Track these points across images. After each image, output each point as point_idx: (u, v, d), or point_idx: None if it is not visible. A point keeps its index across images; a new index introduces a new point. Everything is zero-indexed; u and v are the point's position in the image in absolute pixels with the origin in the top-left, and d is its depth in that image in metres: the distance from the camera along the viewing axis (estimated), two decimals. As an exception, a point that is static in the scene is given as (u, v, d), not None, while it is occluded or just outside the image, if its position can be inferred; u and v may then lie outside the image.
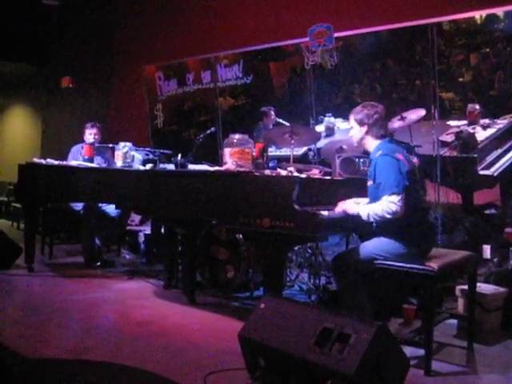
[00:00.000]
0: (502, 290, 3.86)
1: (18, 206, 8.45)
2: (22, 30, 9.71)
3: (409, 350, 3.03)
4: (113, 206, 5.46)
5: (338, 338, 2.46)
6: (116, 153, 4.93)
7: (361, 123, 3.32)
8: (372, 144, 3.34)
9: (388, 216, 3.09)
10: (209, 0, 7.62)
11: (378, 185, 3.17)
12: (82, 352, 3.11)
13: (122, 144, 4.90)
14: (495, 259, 4.34)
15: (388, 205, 3.08)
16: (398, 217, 3.09)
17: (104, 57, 9.27)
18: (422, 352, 3.02)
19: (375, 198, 3.20)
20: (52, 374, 2.83)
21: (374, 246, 3.24)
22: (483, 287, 3.82)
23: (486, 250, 4.44)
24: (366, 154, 3.68)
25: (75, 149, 5.95)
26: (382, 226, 3.22)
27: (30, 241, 5.32)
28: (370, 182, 3.31)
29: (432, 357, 3.00)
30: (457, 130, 5.27)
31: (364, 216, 3.18)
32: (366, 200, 3.41)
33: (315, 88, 6.26)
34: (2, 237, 5.43)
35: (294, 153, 4.65)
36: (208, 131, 5.30)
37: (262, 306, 2.83)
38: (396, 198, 3.08)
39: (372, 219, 3.17)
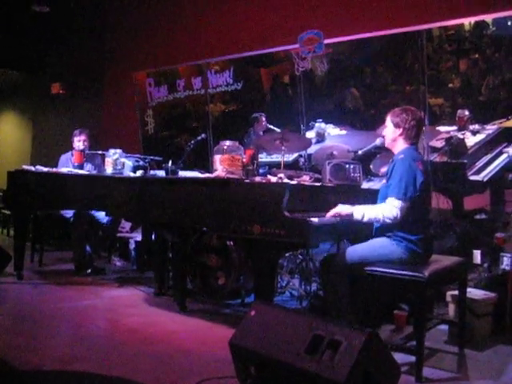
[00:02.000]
0: (492, 295, 3.87)
1: (8, 212, 8.40)
2: (12, 36, 9.67)
3: (400, 357, 3.01)
4: (103, 213, 5.43)
5: (328, 346, 2.45)
6: (106, 159, 4.92)
7: (396, 125, 3.34)
8: (400, 147, 3.35)
9: (387, 220, 3.11)
10: (199, 7, 7.63)
11: (389, 185, 3.19)
12: (71, 361, 3.08)
13: (112, 151, 4.89)
14: (485, 264, 4.35)
15: (390, 209, 3.10)
16: (395, 223, 3.10)
17: (95, 63, 9.25)
18: (413, 358, 3.02)
19: (384, 198, 3.21)
20: None
21: (368, 249, 3.25)
22: (474, 292, 3.83)
23: (477, 255, 4.45)
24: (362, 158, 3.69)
25: (64, 157, 5.92)
26: (385, 228, 3.22)
27: (19, 248, 5.27)
28: (383, 181, 3.33)
29: (423, 363, 3.00)
30: (446, 135, 5.29)
31: (358, 216, 3.19)
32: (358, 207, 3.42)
33: (306, 94, 6.27)
34: (-9, 244, 5.39)
35: (285, 159, 4.66)
36: (199, 138, 5.30)
37: (253, 313, 2.82)
38: (400, 204, 3.10)
39: (366, 220, 3.17)
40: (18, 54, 10.08)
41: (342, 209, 3.29)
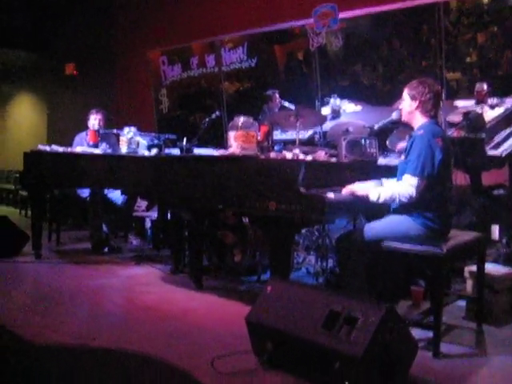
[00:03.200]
0: (510, 270, 3.81)
1: (25, 194, 8.47)
2: (24, 17, 9.67)
3: (417, 332, 3.01)
4: (119, 192, 5.45)
5: (345, 321, 2.44)
6: (121, 138, 4.90)
7: (413, 98, 3.26)
8: (418, 121, 3.28)
9: (403, 199, 3.06)
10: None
11: (408, 162, 3.14)
12: (88, 338, 3.11)
13: (126, 129, 4.88)
14: (504, 240, 4.29)
15: (406, 187, 3.06)
16: (411, 202, 3.06)
17: (108, 43, 9.23)
18: (430, 334, 3.01)
19: (403, 174, 3.16)
20: (57, 360, 2.83)
21: (385, 226, 3.22)
22: (492, 268, 3.78)
23: (495, 231, 4.40)
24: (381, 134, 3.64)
25: (79, 137, 5.93)
26: (403, 206, 3.17)
27: (36, 228, 5.33)
28: (402, 157, 3.30)
29: (441, 339, 2.98)
30: (464, 110, 5.20)
31: (374, 198, 3.14)
32: (372, 183, 3.38)
33: (321, 70, 6.20)
34: (9, 224, 5.45)
35: (300, 136, 4.61)
36: (213, 115, 5.27)
37: (269, 289, 2.82)
38: (416, 182, 3.05)
39: (382, 201, 3.13)
40: (31, 35, 10.09)
41: (358, 189, 3.25)
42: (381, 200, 3.13)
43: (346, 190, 3.30)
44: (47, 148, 5.36)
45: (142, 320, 3.51)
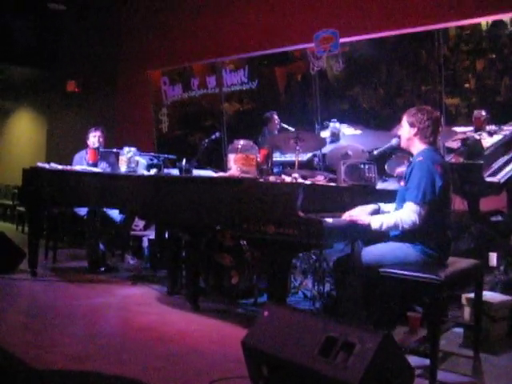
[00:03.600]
0: (508, 298, 3.81)
1: (23, 209, 8.46)
2: (28, 34, 9.74)
3: (414, 360, 2.98)
4: (117, 211, 5.45)
5: (342, 347, 2.42)
6: (120, 158, 4.92)
7: (411, 125, 3.28)
8: (417, 147, 3.30)
9: (406, 226, 3.06)
10: (214, 6, 7.62)
11: (408, 189, 3.15)
12: (83, 359, 3.08)
13: (126, 149, 4.90)
14: (501, 267, 4.29)
15: (409, 214, 3.06)
16: (415, 228, 3.06)
17: (110, 61, 9.29)
18: (427, 362, 2.98)
19: (402, 201, 3.18)
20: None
21: (384, 251, 3.21)
22: (489, 295, 3.78)
23: (493, 258, 4.39)
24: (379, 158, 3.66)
25: (79, 155, 5.93)
26: (402, 233, 3.17)
27: (33, 245, 5.31)
28: (402, 183, 3.31)
29: (437, 367, 2.96)
30: (463, 136, 5.23)
31: (376, 226, 3.13)
32: (373, 206, 3.39)
33: (321, 93, 6.25)
34: (6, 241, 5.43)
35: (299, 158, 4.63)
36: (213, 136, 5.29)
37: (266, 313, 2.80)
38: (418, 209, 3.05)
39: (385, 229, 3.13)
40: (34, 52, 10.15)
41: (359, 217, 3.24)
42: (383, 228, 3.13)
43: (347, 217, 3.30)
44: (46, 165, 5.37)
45: (138, 341, 3.49)
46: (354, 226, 3.30)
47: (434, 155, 3.24)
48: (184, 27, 8.00)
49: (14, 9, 9.17)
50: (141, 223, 6.69)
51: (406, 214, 3.07)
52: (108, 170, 5.65)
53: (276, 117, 6.19)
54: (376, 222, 3.14)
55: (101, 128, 5.93)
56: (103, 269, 5.65)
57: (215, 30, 7.54)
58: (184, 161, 4.81)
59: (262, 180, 3.61)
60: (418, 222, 3.05)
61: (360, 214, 3.27)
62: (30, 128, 12.09)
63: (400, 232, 3.19)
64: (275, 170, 4.71)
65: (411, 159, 3.32)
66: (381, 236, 3.35)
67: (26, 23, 9.63)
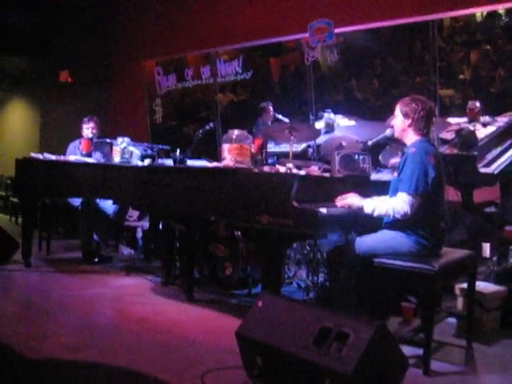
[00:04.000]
0: (501, 288, 3.83)
1: (16, 200, 8.43)
2: (21, 23, 9.66)
3: (407, 350, 3.00)
4: (111, 202, 5.43)
5: (336, 337, 2.44)
6: (114, 148, 4.90)
7: (405, 115, 3.26)
8: (410, 138, 3.29)
9: (397, 216, 3.08)
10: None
11: (401, 180, 3.15)
12: (78, 349, 3.08)
13: (120, 139, 4.88)
14: (495, 258, 4.31)
15: (401, 204, 3.06)
16: (406, 218, 3.07)
17: (103, 51, 9.24)
18: (420, 351, 3.00)
19: (395, 191, 3.18)
20: (43, 374, 2.80)
21: (377, 240, 3.22)
22: (482, 286, 3.79)
23: (486, 249, 4.42)
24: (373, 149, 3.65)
25: (73, 145, 5.90)
26: (395, 222, 3.18)
27: (27, 236, 5.29)
28: (395, 174, 3.31)
29: (431, 356, 2.98)
30: (457, 127, 5.24)
31: (368, 210, 3.16)
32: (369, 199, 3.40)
33: (315, 84, 6.24)
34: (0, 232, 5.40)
35: (294, 149, 4.62)
36: (207, 127, 5.28)
37: (260, 304, 2.81)
38: (410, 200, 3.06)
39: (376, 214, 3.14)
40: (27, 41, 10.06)
41: (354, 201, 3.26)
42: (375, 213, 3.15)
43: (341, 203, 3.30)
44: (40, 156, 5.34)
45: (132, 332, 3.49)
46: (348, 215, 3.31)
47: (427, 146, 3.23)
48: (178, 17, 7.95)
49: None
50: (135, 214, 6.68)
51: (399, 203, 3.08)
52: (102, 160, 5.62)
53: (271, 107, 6.18)
54: (369, 207, 3.17)
55: (94, 118, 5.89)
56: (97, 259, 5.63)
57: (210, 20, 7.50)
58: (178, 151, 4.80)
59: (256, 170, 3.61)
60: (409, 213, 3.06)
61: (354, 199, 3.27)
62: (23, 118, 12.01)
63: (390, 220, 3.20)
64: (270, 161, 4.70)
65: (404, 150, 3.32)
66: (375, 227, 3.36)
67: (19, 13, 9.54)
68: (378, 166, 4.66)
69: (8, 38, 9.73)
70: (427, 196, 3.09)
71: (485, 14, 5.20)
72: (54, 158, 5.29)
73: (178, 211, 4.17)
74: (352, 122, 6.11)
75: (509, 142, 5.02)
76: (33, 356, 2.93)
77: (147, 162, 4.76)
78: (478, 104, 5.20)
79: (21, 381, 2.68)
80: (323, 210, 3.16)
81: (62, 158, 5.37)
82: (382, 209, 3.12)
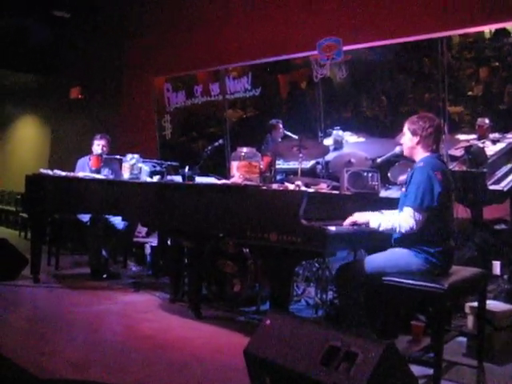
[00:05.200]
0: (512, 307, 3.79)
1: (26, 216, 8.46)
2: (33, 40, 9.78)
3: (417, 369, 2.97)
4: (120, 218, 5.44)
5: (344, 357, 2.41)
6: (123, 164, 4.92)
7: (413, 133, 3.28)
8: (420, 155, 3.30)
9: (402, 230, 3.07)
10: (218, 13, 7.65)
11: (407, 194, 3.15)
12: (85, 366, 3.07)
13: (129, 156, 4.90)
14: (505, 276, 4.28)
15: (406, 218, 3.06)
16: (412, 233, 3.06)
17: (114, 68, 9.31)
18: (430, 371, 2.97)
19: (403, 206, 3.18)
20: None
21: (386, 259, 3.20)
22: (493, 304, 3.75)
23: (496, 267, 4.38)
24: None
25: (82, 161, 5.93)
26: (404, 239, 3.18)
27: (36, 251, 5.30)
28: (403, 189, 3.31)
29: (441, 376, 2.94)
30: (466, 144, 5.22)
31: (374, 225, 3.16)
32: (377, 214, 3.39)
33: (324, 101, 6.26)
34: (8, 247, 5.42)
35: (302, 166, 4.63)
36: (216, 143, 5.30)
37: (268, 322, 2.79)
38: (416, 214, 3.05)
39: (382, 229, 3.13)
40: (38, 58, 10.19)
41: (359, 217, 3.26)
42: (381, 228, 3.14)
43: (347, 222, 3.30)
44: (49, 172, 5.37)
45: (140, 349, 3.47)
46: (356, 233, 3.31)
47: (435, 162, 3.23)
48: (188, 34, 8.02)
49: (18, 15, 9.20)
50: (143, 230, 6.69)
51: (404, 218, 3.08)
52: (111, 176, 5.65)
53: (281, 125, 6.19)
54: (375, 221, 3.17)
55: (106, 137, 5.91)
56: (105, 275, 5.63)
57: (219, 37, 7.55)
58: (187, 168, 4.81)
59: (264, 187, 3.61)
60: (415, 228, 3.05)
61: (358, 215, 3.27)
62: (33, 134, 12.13)
63: (399, 238, 3.18)
64: (278, 178, 4.71)
65: (413, 165, 3.32)
66: (384, 244, 3.35)
67: (31, 30, 9.66)
68: (387, 183, 4.65)
69: (19, 55, 9.86)
70: (433, 211, 3.08)
71: (493, 31, 5.21)
72: (63, 174, 5.32)
73: (187, 228, 4.17)
74: (361, 139, 6.11)
75: (518, 159, 5.01)
76: (40, 373, 2.92)
77: (156, 178, 4.78)
78: (487, 121, 5.19)
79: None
80: (332, 228, 3.15)
81: (71, 174, 5.40)
82: (389, 224, 3.12)
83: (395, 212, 3.37)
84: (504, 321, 3.69)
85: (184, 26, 8.12)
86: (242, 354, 2.74)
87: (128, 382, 2.88)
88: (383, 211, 3.46)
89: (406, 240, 3.18)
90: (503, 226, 4.88)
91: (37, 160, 11.02)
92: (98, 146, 5.83)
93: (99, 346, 3.52)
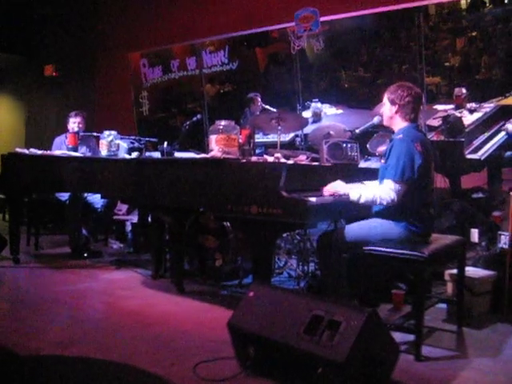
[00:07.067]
0: (490, 273, 3.86)
1: (3, 196, 8.35)
2: (5, 19, 9.54)
3: (399, 336, 3.01)
4: (98, 196, 5.40)
5: (328, 326, 2.44)
6: (101, 142, 4.87)
7: (392, 102, 3.27)
8: (398, 125, 3.29)
9: (383, 203, 3.08)
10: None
11: (387, 166, 3.14)
12: (69, 344, 3.06)
13: (106, 133, 4.85)
14: (483, 243, 4.34)
15: (387, 191, 3.06)
16: (393, 205, 3.07)
17: (88, 44, 9.15)
18: (411, 337, 3.02)
19: (383, 178, 3.18)
20: (35, 370, 2.78)
21: (367, 228, 3.22)
22: (472, 271, 3.82)
23: (474, 234, 4.44)
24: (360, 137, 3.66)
25: (59, 139, 5.84)
26: (384, 210, 3.19)
27: (14, 232, 5.23)
28: (382, 161, 3.30)
29: (422, 342, 2.99)
30: (443, 114, 5.26)
31: (354, 198, 3.15)
32: (358, 185, 3.40)
33: (302, 74, 6.23)
34: (-14, 229, 5.36)
35: (281, 139, 4.62)
36: (194, 119, 5.26)
37: (251, 294, 2.81)
38: (396, 186, 3.06)
39: (363, 201, 3.14)
40: (11, 37, 9.95)
41: (340, 187, 3.27)
42: (361, 200, 3.14)
43: (328, 190, 3.31)
44: (25, 151, 5.29)
45: (123, 325, 3.47)
46: (337, 203, 3.32)
47: (414, 133, 3.23)
48: (163, 8, 7.89)
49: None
50: (124, 207, 6.65)
51: (384, 191, 3.08)
52: (88, 154, 5.59)
53: (259, 98, 6.16)
54: (355, 194, 3.16)
55: (82, 114, 5.81)
56: (86, 254, 5.59)
57: (194, 10, 7.44)
58: (165, 143, 4.77)
59: (244, 160, 3.59)
60: (395, 200, 3.06)
61: (339, 186, 3.28)
62: (8, 114, 11.89)
63: (379, 208, 3.20)
64: (257, 151, 4.70)
65: (392, 136, 3.32)
66: (364, 215, 3.37)
67: (2, 8, 9.42)
68: (366, 154, 4.66)
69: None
70: (414, 183, 3.09)
71: (469, 1, 5.21)
72: (39, 152, 5.23)
73: (167, 203, 4.15)
74: (339, 111, 6.11)
75: (495, 128, 5.05)
76: (23, 353, 2.91)
77: (134, 154, 4.74)
78: (464, 90, 5.22)
79: (13, 379, 2.66)
80: (312, 199, 3.16)
81: (48, 152, 5.32)
82: (369, 196, 3.12)
83: (375, 184, 3.38)
84: (482, 287, 3.76)
85: (159, 0, 7.98)
86: (225, 326, 2.75)
87: (113, 358, 2.88)
88: (365, 182, 3.47)
89: (386, 212, 3.20)
90: (481, 195, 4.94)
91: (12, 139, 10.82)
92: (74, 123, 5.74)
93: (83, 324, 3.50)
